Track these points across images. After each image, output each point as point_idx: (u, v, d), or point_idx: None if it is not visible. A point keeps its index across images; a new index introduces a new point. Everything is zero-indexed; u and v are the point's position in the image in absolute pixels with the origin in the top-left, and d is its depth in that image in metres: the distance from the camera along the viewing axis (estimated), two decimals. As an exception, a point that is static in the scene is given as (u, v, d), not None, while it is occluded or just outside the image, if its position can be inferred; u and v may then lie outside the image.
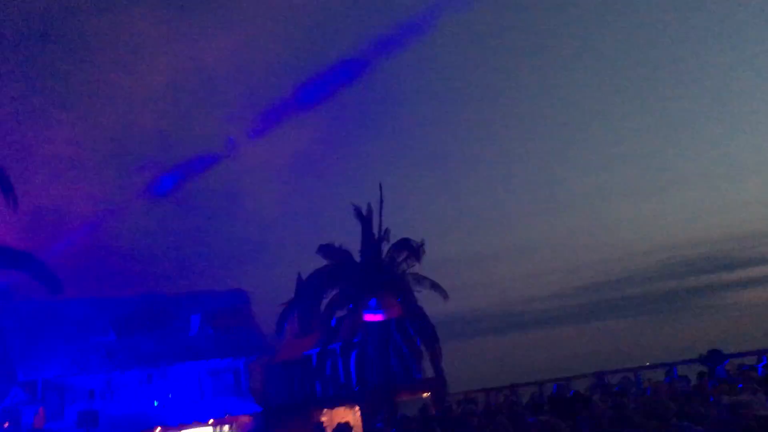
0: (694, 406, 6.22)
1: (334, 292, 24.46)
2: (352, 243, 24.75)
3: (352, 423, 22.87)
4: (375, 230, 24.50)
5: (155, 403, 25.41)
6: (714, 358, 15.09)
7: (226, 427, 26.28)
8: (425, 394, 25.15)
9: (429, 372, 24.76)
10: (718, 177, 58.77)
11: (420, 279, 24.38)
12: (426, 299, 24.42)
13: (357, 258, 24.62)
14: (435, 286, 24.21)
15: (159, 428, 24.22)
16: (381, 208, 24.49)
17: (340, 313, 24.75)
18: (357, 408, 24.25)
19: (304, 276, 26.11)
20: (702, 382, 11.32)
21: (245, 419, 26.39)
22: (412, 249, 24.24)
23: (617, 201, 62.12)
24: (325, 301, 24.63)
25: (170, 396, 25.80)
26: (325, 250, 24.55)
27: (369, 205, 24.60)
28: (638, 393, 12.25)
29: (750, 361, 14.90)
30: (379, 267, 24.13)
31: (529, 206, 61.32)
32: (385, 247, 24.56)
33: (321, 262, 24.84)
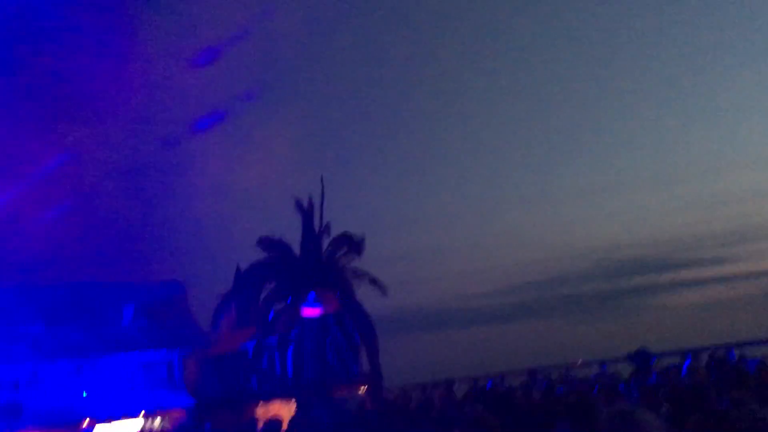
0: (622, 403, 6.40)
1: (272, 286, 24.26)
2: (293, 236, 24.59)
3: (287, 417, 22.73)
4: (316, 224, 24.40)
5: (84, 396, 24.69)
6: (642, 357, 15.55)
7: (157, 421, 25.72)
8: (362, 389, 25.20)
9: (366, 367, 24.81)
10: (652, 183, 60.77)
11: (359, 274, 24.41)
12: (365, 294, 24.48)
13: (297, 251, 24.47)
14: (374, 281, 24.27)
15: (87, 421, 23.54)
16: (322, 201, 24.43)
17: (278, 307, 24.56)
18: (293, 402, 24.11)
19: (243, 268, 25.79)
20: (632, 379, 11.66)
21: (178, 413, 25.88)
22: (352, 244, 24.25)
23: (555, 202, 63.64)
24: (263, 295, 24.40)
25: (100, 388, 25.10)
26: (265, 242, 24.32)
27: (310, 198, 24.50)
28: (569, 388, 12.52)
29: (675, 360, 15.44)
30: (318, 261, 24.05)
31: (469, 205, 62.26)
32: (326, 241, 24.50)
33: (261, 254, 24.60)
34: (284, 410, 24.20)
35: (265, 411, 25.16)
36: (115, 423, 24.29)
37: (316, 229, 24.37)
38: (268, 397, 25.78)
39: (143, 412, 25.13)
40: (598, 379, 13.57)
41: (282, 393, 25.17)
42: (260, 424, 15.99)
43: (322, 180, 24.59)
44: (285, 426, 12.74)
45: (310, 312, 22.88)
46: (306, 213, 24.32)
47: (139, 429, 24.69)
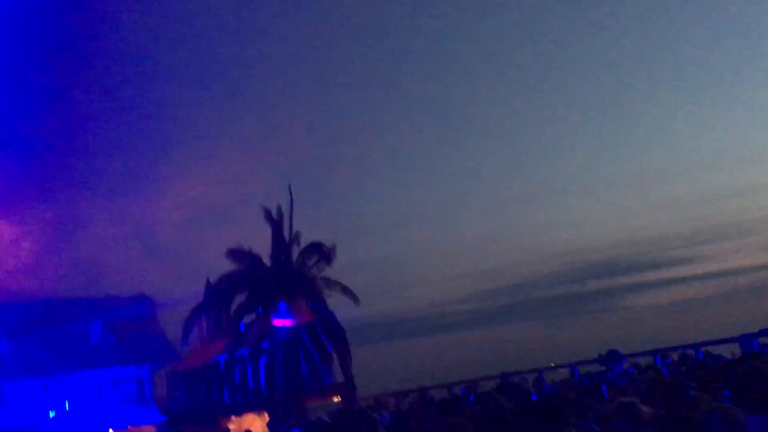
0: (591, 403, 6.45)
1: (242, 297, 23.99)
2: (263, 247, 24.38)
3: (260, 429, 22.54)
4: (285, 233, 24.20)
5: (51, 415, 24.15)
6: (612, 358, 15.74)
7: (128, 438, 25.29)
8: (336, 399, 25.06)
9: (339, 377, 24.66)
10: (617, 186, 61.65)
11: (331, 283, 24.24)
12: (337, 303, 24.32)
13: (267, 262, 24.24)
14: (346, 290, 24.12)
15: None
16: (291, 210, 24.26)
17: (249, 319, 24.28)
18: (266, 414, 23.87)
19: (212, 281, 25.49)
20: (600, 380, 11.76)
21: (149, 429, 25.49)
22: (323, 253, 24.08)
23: (523, 207, 64.23)
24: (233, 306, 24.12)
25: (67, 407, 24.58)
26: (235, 254, 24.04)
27: (279, 207, 24.31)
28: (542, 392, 12.57)
29: (644, 360, 15.63)
30: (289, 271, 23.84)
31: (440, 211, 62.48)
32: (296, 251, 24.30)
33: (230, 266, 24.33)
34: (257, 423, 23.98)
35: (239, 424, 24.90)
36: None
37: (286, 238, 24.18)
38: (241, 411, 25.51)
39: (111, 430, 24.69)
40: (571, 381, 13.67)
41: (255, 405, 24.90)
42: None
43: (290, 189, 24.45)
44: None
45: (281, 322, 22.67)
46: (275, 223, 24.13)
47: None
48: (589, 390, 9.80)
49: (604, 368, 15.20)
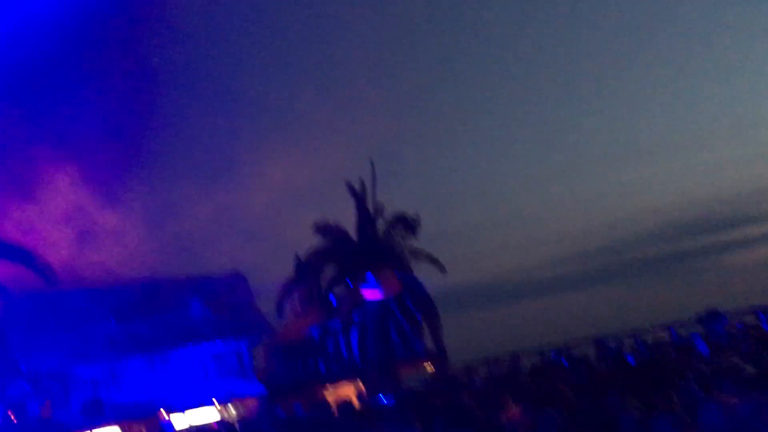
0: (692, 365, 6.28)
1: (332, 271, 24.51)
2: (348, 222, 24.75)
3: (354, 398, 23.07)
4: (369, 207, 24.48)
5: (159, 389, 25.42)
6: (712, 318, 15.17)
7: (231, 409, 26.31)
8: (428, 367, 25.34)
9: (430, 344, 24.87)
10: (711, 138, 58.78)
11: (417, 253, 24.43)
12: (425, 273, 24.49)
13: (354, 236, 24.61)
14: (432, 259, 24.26)
15: (163, 412, 24.28)
16: (374, 183, 24.47)
17: (339, 291, 24.79)
18: (360, 382, 24.39)
19: (301, 256, 26.11)
20: (701, 341, 11.38)
21: (251, 401, 26.41)
22: (407, 223, 24.26)
23: (614, 165, 62.09)
24: (323, 280, 24.67)
25: (174, 381, 25.80)
26: (322, 229, 24.55)
27: (362, 181, 24.56)
28: (639, 354, 12.28)
29: (747, 319, 14.99)
30: (375, 243, 24.17)
31: (527, 172, 61.02)
32: (381, 223, 24.58)
33: (318, 241, 24.84)
34: (352, 391, 24.56)
35: (334, 393, 25.56)
36: (191, 412, 24.96)
37: (370, 211, 24.45)
38: (336, 380, 26.14)
39: (217, 402, 25.72)
40: (670, 343, 13.29)
41: (349, 375, 25.48)
42: (329, 406, 16.24)
43: (371, 162, 24.65)
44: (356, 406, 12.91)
45: (371, 294, 23.07)
46: (359, 197, 24.42)
47: (215, 418, 25.31)
48: (689, 351, 9.51)
49: (703, 328, 14.67)
